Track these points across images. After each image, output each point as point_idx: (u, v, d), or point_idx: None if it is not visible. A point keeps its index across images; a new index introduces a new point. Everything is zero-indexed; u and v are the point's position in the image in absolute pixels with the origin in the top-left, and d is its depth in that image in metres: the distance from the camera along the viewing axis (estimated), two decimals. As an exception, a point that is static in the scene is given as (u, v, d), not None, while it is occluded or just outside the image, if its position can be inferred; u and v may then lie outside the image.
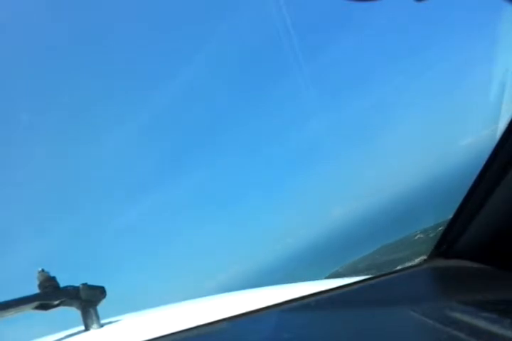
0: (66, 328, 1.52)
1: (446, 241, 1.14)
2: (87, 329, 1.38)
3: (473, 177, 1.00)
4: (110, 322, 1.46)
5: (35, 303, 1.34)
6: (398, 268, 1.24)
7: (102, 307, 1.43)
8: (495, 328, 0.70)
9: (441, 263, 1.15)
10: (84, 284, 1.41)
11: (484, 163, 0.96)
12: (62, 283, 1.41)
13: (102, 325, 1.40)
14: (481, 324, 0.73)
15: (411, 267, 1.21)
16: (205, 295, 1.81)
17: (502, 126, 0.89)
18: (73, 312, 1.41)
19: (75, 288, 1.39)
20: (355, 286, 1.18)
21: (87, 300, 1.38)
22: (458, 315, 0.80)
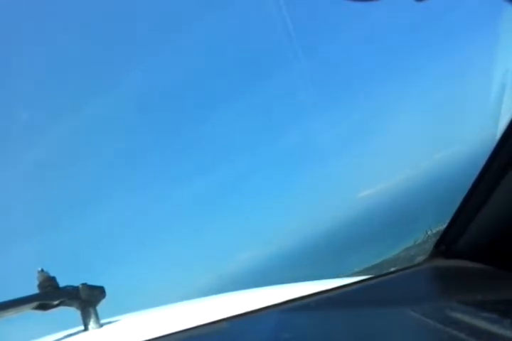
0: (66, 328, 1.52)
1: (446, 241, 1.14)
2: (86, 329, 1.38)
3: (473, 177, 1.00)
4: (110, 322, 1.46)
5: (35, 303, 1.34)
6: (398, 268, 1.25)
7: (101, 307, 1.43)
8: (495, 328, 0.70)
9: (441, 263, 1.15)
10: (84, 284, 1.41)
11: (484, 163, 0.96)
12: (60, 282, 1.41)
13: (101, 325, 1.40)
14: (481, 324, 0.73)
15: (411, 267, 1.21)
16: (202, 295, 1.81)
17: (502, 126, 0.89)
18: (73, 312, 1.41)
19: (75, 288, 1.39)
20: (355, 286, 1.18)
21: (87, 300, 1.39)
22: (458, 315, 0.80)
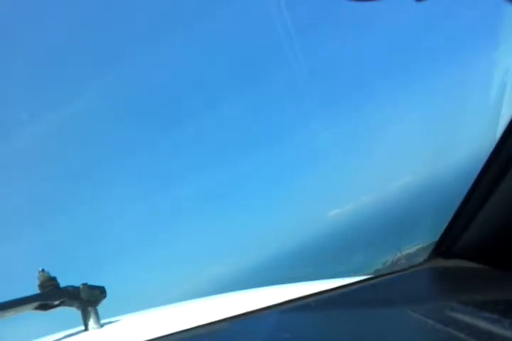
0: (66, 328, 1.52)
1: (446, 241, 1.14)
2: (87, 329, 1.38)
3: (473, 177, 1.00)
4: (110, 322, 1.47)
5: (36, 303, 1.34)
6: (398, 268, 1.25)
7: (102, 307, 1.43)
8: (495, 328, 0.70)
9: (441, 263, 1.15)
10: (85, 284, 1.41)
11: (484, 163, 0.96)
12: (61, 282, 1.41)
13: (102, 325, 1.40)
14: (481, 324, 0.73)
15: (411, 267, 1.21)
16: (198, 296, 1.81)
17: (502, 126, 0.89)
18: (73, 312, 1.41)
19: (75, 288, 1.39)
20: (355, 286, 1.18)
21: (88, 300, 1.39)
22: (458, 315, 0.80)
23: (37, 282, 1.39)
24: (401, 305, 0.97)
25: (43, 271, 1.39)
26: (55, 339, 1.41)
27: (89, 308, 1.40)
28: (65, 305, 1.40)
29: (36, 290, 1.38)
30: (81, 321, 1.40)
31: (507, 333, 0.68)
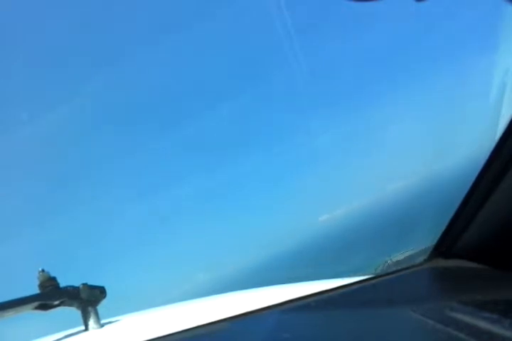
0: (66, 328, 1.52)
1: (446, 241, 1.14)
2: (87, 329, 1.38)
3: (473, 177, 1.00)
4: (110, 322, 1.47)
5: (36, 303, 1.34)
6: (398, 268, 1.25)
7: (101, 307, 1.44)
8: (495, 328, 0.70)
9: (441, 263, 1.15)
10: (85, 284, 1.41)
11: (484, 163, 0.96)
12: (60, 282, 1.41)
13: (102, 325, 1.40)
14: (481, 324, 0.73)
15: (411, 267, 1.21)
16: (198, 296, 1.81)
17: (502, 126, 0.90)
18: (73, 312, 1.41)
19: (75, 288, 1.40)
20: (355, 286, 1.18)
21: (88, 300, 1.39)
22: (458, 315, 0.80)
23: (37, 282, 1.40)
24: (401, 305, 0.97)
25: (42, 271, 1.39)
26: (55, 339, 1.41)
27: (89, 308, 1.40)
28: (65, 305, 1.40)
29: (36, 290, 1.39)
30: (81, 321, 1.40)
31: (507, 333, 0.68)
